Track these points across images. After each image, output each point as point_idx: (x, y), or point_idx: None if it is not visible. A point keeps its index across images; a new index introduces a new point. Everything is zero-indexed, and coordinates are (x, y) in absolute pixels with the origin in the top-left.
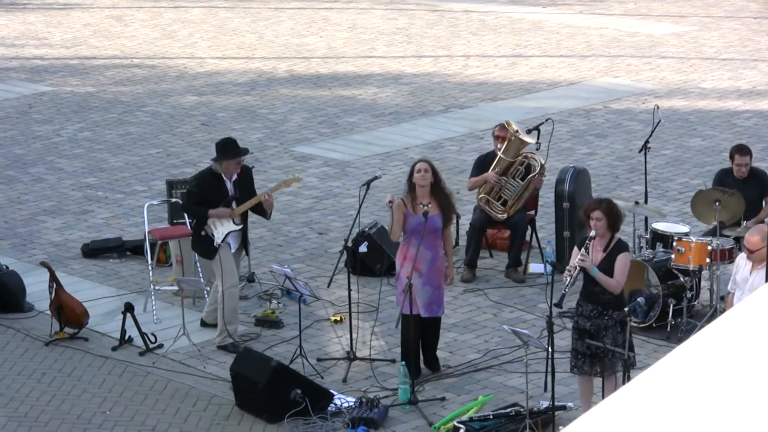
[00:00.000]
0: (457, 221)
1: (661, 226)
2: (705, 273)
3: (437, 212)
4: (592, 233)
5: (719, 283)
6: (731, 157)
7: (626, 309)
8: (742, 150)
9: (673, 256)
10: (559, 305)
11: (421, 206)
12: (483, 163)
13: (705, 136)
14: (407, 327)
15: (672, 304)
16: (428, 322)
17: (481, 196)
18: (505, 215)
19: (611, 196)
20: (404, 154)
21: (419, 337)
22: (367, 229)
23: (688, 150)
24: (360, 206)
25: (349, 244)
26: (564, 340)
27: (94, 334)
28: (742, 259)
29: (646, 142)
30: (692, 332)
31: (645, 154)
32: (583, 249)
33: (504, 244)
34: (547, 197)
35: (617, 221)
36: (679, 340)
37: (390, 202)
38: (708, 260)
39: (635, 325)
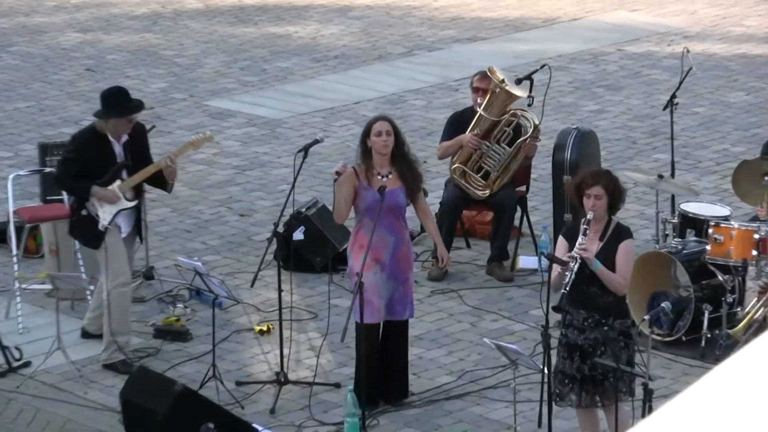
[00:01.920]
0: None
1: (692, 207)
2: (751, 270)
3: (398, 185)
4: (590, 215)
5: None
6: None
7: (647, 317)
8: None
9: (708, 247)
10: (559, 309)
11: (379, 177)
12: (458, 124)
13: (749, 89)
14: (360, 339)
15: (707, 311)
16: (391, 330)
17: (455, 166)
18: (487, 192)
19: (626, 167)
20: (354, 110)
21: (377, 352)
22: (304, 210)
23: (727, 107)
24: (295, 179)
25: (281, 229)
26: None
27: None
28: None
29: (673, 96)
30: (734, 349)
31: (671, 112)
32: (581, 235)
33: (486, 231)
34: (542, 169)
35: (620, 201)
36: (717, 359)
37: (338, 173)
38: (755, 253)
39: (658, 338)
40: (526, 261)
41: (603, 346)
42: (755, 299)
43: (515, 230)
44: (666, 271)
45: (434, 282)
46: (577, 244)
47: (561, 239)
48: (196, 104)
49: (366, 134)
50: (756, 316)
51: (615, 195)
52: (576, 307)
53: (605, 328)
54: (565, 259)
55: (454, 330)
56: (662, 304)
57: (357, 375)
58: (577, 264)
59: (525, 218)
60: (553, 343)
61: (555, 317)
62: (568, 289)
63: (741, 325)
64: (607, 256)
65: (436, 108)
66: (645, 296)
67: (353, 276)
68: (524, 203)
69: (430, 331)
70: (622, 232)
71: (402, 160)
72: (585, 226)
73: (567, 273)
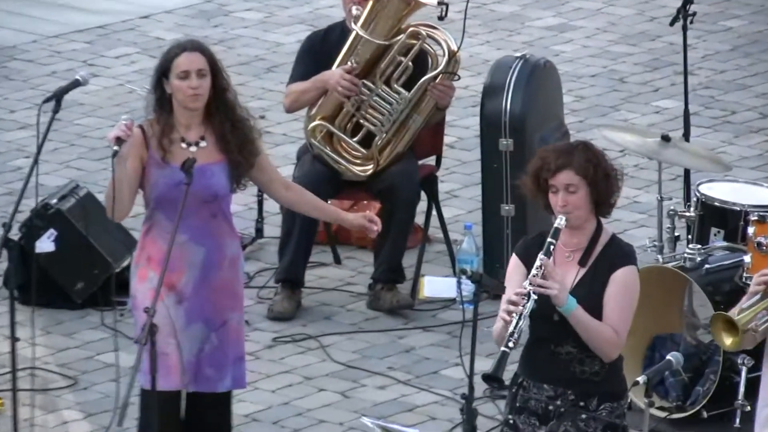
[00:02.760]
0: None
1: (719, 190)
2: None
3: (216, 159)
4: (560, 221)
5: None
6: None
7: (642, 378)
8: None
9: (747, 258)
10: (495, 378)
11: (183, 146)
12: (319, 52)
13: None
14: (148, 419)
15: (745, 367)
16: (201, 406)
17: (315, 124)
18: (370, 168)
19: (607, 123)
20: (141, 30)
21: None
22: (55, 201)
23: None
24: (39, 150)
25: (14, 235)
26: None
27: None
28: None
29: (687, 1)
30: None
31: (684, 28)
32: (542, 255)
33: (368, 235)
34: (464, 128)
35: (610, 193)
36: None
37: (118, 140)
38: None
39: (661, 413)
40: (436, 285)
41: None
42: (759, 296)
43: (418, 232)
44: (675, 300)
45: (279, 322)
46: (532, 270)
47: (514, 260)
48: None
49: (163, 73)
50: (766, 307)
51: (601, 184)
52: (535, 377)
53: (583, 416)
54: (513, 295)
55: (313, 404)
56: (668, 356)
57: None
58: (530, 304)
59: (435, 212)
60: (490, 424)
61: (495, 386)
62: (512, 345)
63: (748, 312)
64: (591, 291)
65: (282, 25)
66: (640, 342)
67: (138, 311)
68: (433, 187)
69: (272, 406)
70: (619, 253)
71: (223, 116)
72: (550, 240)
73: (513, 318)
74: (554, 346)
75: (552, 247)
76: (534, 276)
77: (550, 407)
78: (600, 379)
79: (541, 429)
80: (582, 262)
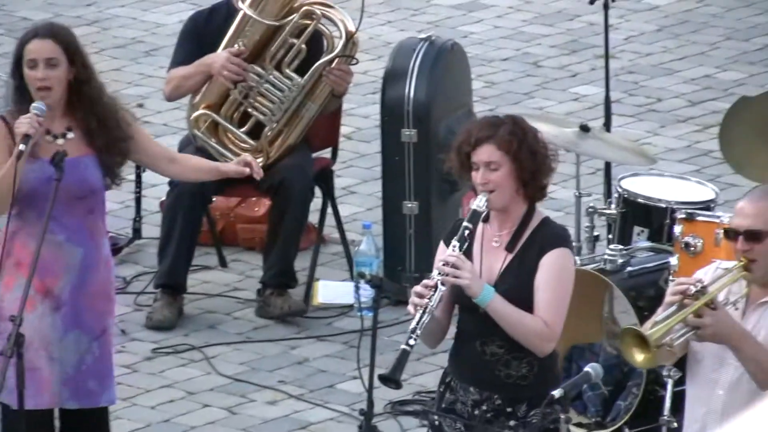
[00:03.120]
0: (139, 182)
1: (642, 185)
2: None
3: (85, 152)
4: (479, 202)
5: None
6: None
7: (558, 391)
8: None
9: (673, 259)
10: (392, 379)
11: (50, 138)
12: (203, 34)
13: None
14: None
15: (671, 379)
16: (81, 422)
17: (199, 113)
18: (260, 161)
19: (521, 110)
20: (6, 10)
21: None
22: None
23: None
24: None
25: None
26: None
27: None
28: (716, 270)
29: None
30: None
31: (606, 5)
32: (454, 241)
33: (256, 235)
34: (363, 117)
35: (542, 173)
36: None
37: (26, 135)
38: None
39: (577, 430)
40: (332, 290)
41: None
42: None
43: (312, 232)
44: (594, 306)
45: (159, 332)
46: (446, 255)
47: (442, 248)
48: None
49: (17, 61)
50: (682, 320)
51: (526, 162)
52: (461, 378)
53: (512, 422)
54: (419, 287)
55: (197, 421)
56: (586, 368)
57: None
58: (438, 296)
59: (330, 209)
60: None
61: (407, 385)
62: (413, 342)
63: (662, 326)
64: (519, 280)
65: (162, 3)
66: (560, 351)
67: (3, 321)
68: (328, 182)
69: (152, 424)
70: (550, 236)
71: (87, 110)
72: (466, 224)
73: (418, 311)
74: (480, 344)
75: (467, 231)
76: (444, 264)
77: (476, 412)
78: (528, 384)
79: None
80: (509, 248)
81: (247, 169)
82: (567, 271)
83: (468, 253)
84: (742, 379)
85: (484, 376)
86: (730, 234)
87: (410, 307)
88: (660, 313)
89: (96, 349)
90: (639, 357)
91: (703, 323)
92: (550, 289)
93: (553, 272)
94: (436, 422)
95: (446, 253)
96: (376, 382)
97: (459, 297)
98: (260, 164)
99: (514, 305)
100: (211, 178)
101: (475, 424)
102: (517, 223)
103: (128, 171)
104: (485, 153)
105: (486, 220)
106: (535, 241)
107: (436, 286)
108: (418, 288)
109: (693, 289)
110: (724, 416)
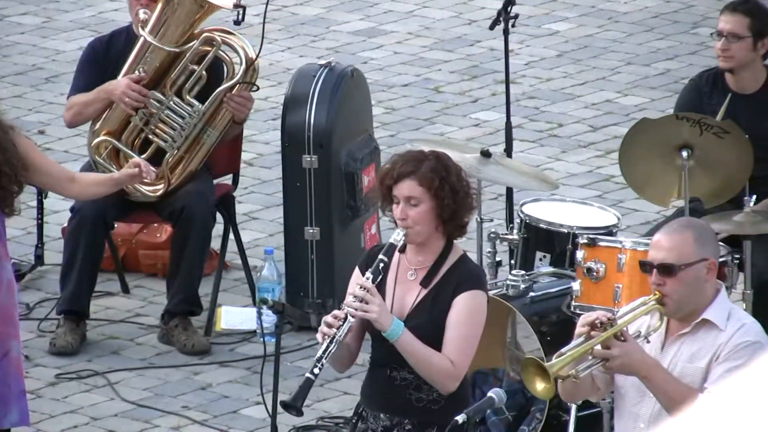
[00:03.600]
0: (41, 209)
1: (544, 210)
2: None
3: None
4: (397, 236)
5: None
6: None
7: (461, 417)
8: (733, 7)
9: (575, 285)
10: (293, 406)
11: None
12: (103, 61)
13: None
14: None
15: (573, 405)
16: None
17: (99, 140)
18: (161, 188)
19: (421, 136)
20: None
21: None
22: None
23: (612, 21)
24: None
25: None
26: None
27: None
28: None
29: (509, 2)
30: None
31: (506, 32)
32: (368, 274)
33: (158, 261)
34: (263, 144)
35: (457, 209)
36: None
37: None
38: None
39: None
40: (235, 316)
41: None
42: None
43: (214, 258)
44: (497, 332)
45: (63, 357)
46: (354, 289)
47: (356, 274)
48: None
49: None
50: (589, 351)
51: (447, 199)
52: (372, 405)
53: None
54: (329, 317)
55: None
56: (490, 393)
57: None
58: (346, 328)
59: (232, 235)
60: None
61: (310, 412)
62: (317, 371)
63: (565, 357)
64: (431, 316)
65: (62, 30)
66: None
67: None
68: (230, 208)
69: None
70: (465, 275)
71: None
72: (381, 257)
73: (325, 341)
74: (390, 371)
75: (381, 264)
76: (354, 298)
77: None
78: (439, 408)
79: None
80: (424, 283)
81: (137, 170)
82: (479, 313)
83: (382, 282)
84: (662, 413)
85: (394, 401)
86: (646, 267)
87: (318, 336)
88: (571, 345)
89: None
90: (540, 386)
91: (611, 354)
92: (460, 329)
93: (465, 313)
94: None
95: (358, 284)
96: (280, 407)
97: (370, 326)
98: (161, 191)
99: (423, 341)
100: (110, 191)
101: None
102: (434, 259)
103: (30, 198)
104: (406, 188)
105: (402, 250)
106: (451, 279)
107: (345, 317)
108: (328, 318)
109: (600, 321)
110: None
